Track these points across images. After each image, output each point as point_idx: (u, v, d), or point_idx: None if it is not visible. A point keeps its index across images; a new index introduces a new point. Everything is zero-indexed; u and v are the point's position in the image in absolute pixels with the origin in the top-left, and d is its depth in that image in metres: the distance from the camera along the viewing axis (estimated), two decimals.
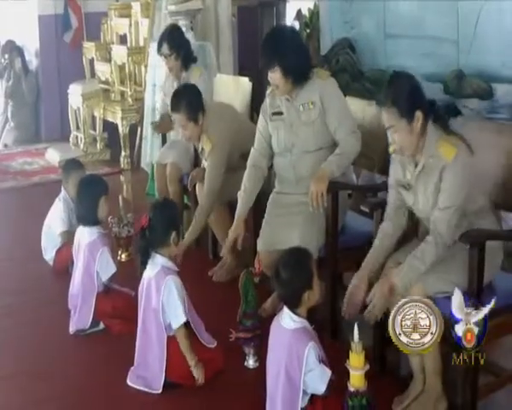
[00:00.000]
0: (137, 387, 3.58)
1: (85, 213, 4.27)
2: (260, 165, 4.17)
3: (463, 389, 3.14)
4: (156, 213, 3.62)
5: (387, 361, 3.57)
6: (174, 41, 5.39)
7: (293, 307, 3.11)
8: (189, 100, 4.56)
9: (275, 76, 3.89)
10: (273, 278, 3.19)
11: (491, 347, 2.93)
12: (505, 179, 3.40)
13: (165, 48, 5.38)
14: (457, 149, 3.07)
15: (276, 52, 3.87)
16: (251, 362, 3.71)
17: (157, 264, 3.58)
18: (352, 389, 2.90)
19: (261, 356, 3.65)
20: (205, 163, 4.72)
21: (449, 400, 3.24)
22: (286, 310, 3.13)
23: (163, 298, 3.50)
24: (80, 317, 4.13)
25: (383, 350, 3.54)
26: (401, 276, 3.10)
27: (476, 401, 3.14)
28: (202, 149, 4.68)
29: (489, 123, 4.45)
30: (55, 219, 5.01)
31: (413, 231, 3.42)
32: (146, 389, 3.56)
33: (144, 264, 3.61)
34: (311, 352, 3.04)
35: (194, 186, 4.80)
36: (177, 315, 3.51)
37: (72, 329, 4.15)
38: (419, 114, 3.09)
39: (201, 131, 4.61)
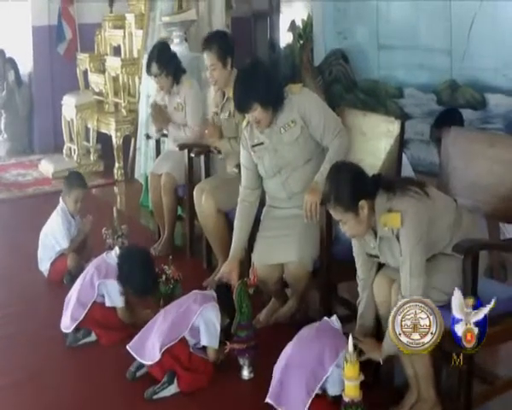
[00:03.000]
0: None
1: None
2: (250, 200, 4.15)
3: (458, 398, 3.15)
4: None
5: (382, 372, 3.57)
6: (163, 60, 5.36)
7: None
8: (220, 42, 4.69)
9: (255, 114, 3.89)
10: None
11: (484, 355, 2.93)
12: (498, 191, 3.42)
13: (154, 68, 5.37)
14: (401, 211, 3.08)
15: (250, 92, 3.87)
16: (245, 373, 3.70)
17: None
18: (346, 399, 2.91)
19: (256, 367, 3.66)
20: (225, 115, 4.75)
21: (444, 408, 3.24)
22: (335, 317, 3.36)
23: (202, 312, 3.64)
24: (72, 314, 4.10)
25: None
26: (389, 350, 3.11)
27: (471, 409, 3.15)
28: (228, 98, 4.70)
29: (481, 134, 4.46)
30: (55, 232, 4.97)
31: None
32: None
33: None
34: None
35: (192, 196, 4.72)
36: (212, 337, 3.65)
37: (63, 326, 4.15)
38: (363, 204, 3.11)
39: (230, 80, 4.61)
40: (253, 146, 4.04)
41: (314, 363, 3.17)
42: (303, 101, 3.93)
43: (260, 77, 3.89)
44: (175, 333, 3.62)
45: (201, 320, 3.63)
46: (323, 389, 3.20)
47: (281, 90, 3.93)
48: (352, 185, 3.13)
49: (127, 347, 3.70)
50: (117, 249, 4.23)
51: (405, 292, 3.05)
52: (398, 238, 3.11)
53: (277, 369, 3.27)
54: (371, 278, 3.39)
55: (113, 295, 4.12)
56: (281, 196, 4.05)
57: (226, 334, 3.68)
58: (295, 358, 3.22)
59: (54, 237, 4.97)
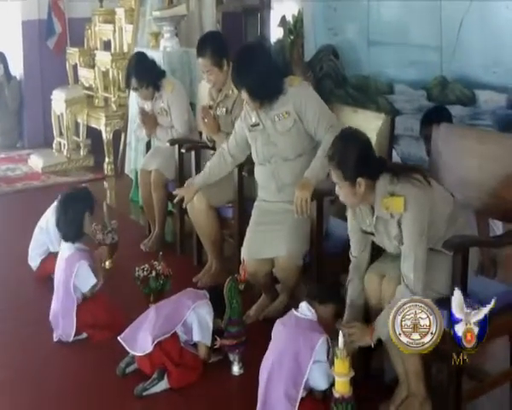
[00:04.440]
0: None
1: (68, 229, 4.25)
2: (225, 157, 4.30)
3: (448, 394, 3.15)
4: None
5: (372, 367, 3.58)
6: (141, 72, 5.30)
7: (322, 302, 3.26)
8: (213, 46, 4.66)
9: (243, 96, 3.97)
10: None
11: (474, 353, 2.94)
12: (488, 187, 3.43)
13: (134, 82, 5.33)
14: (405, 195, 3.08)
15: (241, 76, 3.92)
16: (236, 369, 3.71)
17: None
18: (337, 395, 2.92)
19: (246, 363, 3.67)
20: (222, 111, 4.74)
21: (433, 404, 3.25)
22: (305, 304, 3.25)
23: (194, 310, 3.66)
24: (63, 330, 4.11)
25: (368, 356, 3.56)
26: (383, 330, 3.06)
27: (461, 406, 3.15)
28: (225, 96, 4.71)
29: (471, 130, 4.47)
30: (50, 233, 4.84)
31: None
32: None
33: None
34: (323, 344, 3.12)
35: (181, 201, 4.59)
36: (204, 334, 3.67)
37: (55, 338, 4.14)
38: (361, 181, 3.12)
39: (227, 77, 4.62)
40: (251, 126, 4.07)
41: (292, 369, 3.11)
42: (300, 94, 3.93)
43: (256, 67, 3.89)
44: (168, 327, 3.62)
45: (194, 316, 3.64)
46: (309, 389, 3.18)
47: (276, 87, 3.92)
48: (357, 158, 3.14)
49: (118, 338, 3.70)
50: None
51: (409, 282, 3.05)
52: (399, 224, 3.11)
53: (261, 385, 3.21)
54: (364, 259, 3.40)
55: (86, 278, 4.15)
56: (270, 187, 4.06)
57: (218, 335, 3.68)
58: (275, 367, 3.16)
59: (49, 236, 4.88)
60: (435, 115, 4.53)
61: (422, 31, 5.76)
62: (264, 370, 3.21)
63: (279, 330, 3.29)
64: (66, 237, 4.25)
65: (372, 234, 3.31)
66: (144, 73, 5.32)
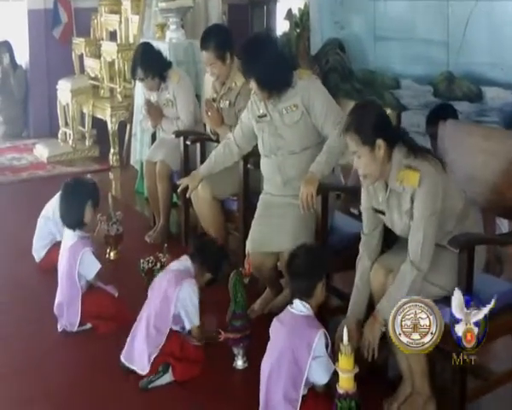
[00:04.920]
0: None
1: (68, 216, 4.26)
2: (230, 147, 4.31)
3: (452, 392, 3.16)
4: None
5: (376, 364, 3.58)
6: (147, 63, 5.32)
7: (306, 298, 3.18)
8: (217, 39, 4.67)
9: (251, 85, 3.96)
10: (287, 269, 3.32)
11: (479, 351, 2.94)
12: (494, 184, 3.43)
13: (139, 73, 5.34)
14: (421, 171, 3.08)
15: (250, 65, 3.92)
16: (240, 363, 3.72)
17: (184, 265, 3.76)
18: (341, 391, 2.91)
19: (250, 357, 3.67)
20: (226, 104, 4.75)
21: (438, 402, 3.25)
22: (297, 301, 3.20)
23: (179, 293, 3.62)
24: (68, 319, 4.12)
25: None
26: (387, 309, 3.07)
27: (465, 404, 3.16)
28: (228, 88, 4.72)
29: (478, 127, 4.47)
30: (57, 221, 4.74)
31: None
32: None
33: None
34: (321, 339, 3.10)
35: (185, 190, 4.58)
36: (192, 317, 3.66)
37: (60, 328, 4.15)
38: (380, 143, 3.11)
39: (230, 70, 4.67)
40: (259, 117, 4.07)
41: (290, 370, 3.09)
42: (308, 87, 3.93)
43: (265, 57, 3.88)
44: (159, 337, 3.60)
45: (180, 305, 3.62)
46: (311, 385, 3.17)
47: (285, 79, 3.92)
48: (375, 120, 3.15)
49: (121, 358, 3.69)
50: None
51: (415, 257, 3.06)
52: (412, 200, 3.10)
53: (261, 387, 3.20)
54: (375, 238, 3.39)
55: (90, 264, 4.16)
56: (276, 180, 4.05)
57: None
58: (274, 370, 3.14)
59: (56, 224, 4.87)
60: (441, 113, 4.52)
61: (429, 26, 5.76)
62: (263, 373, 3.20)
63: (276, 328, 3.26)
64: (69, 223, 4.25)
65: (383, 213, 3.29)
66: (150, 63, 5.33)
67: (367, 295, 3.38)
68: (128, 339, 3.71)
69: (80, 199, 4.26)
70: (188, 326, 3.68)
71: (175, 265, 3.79)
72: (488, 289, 3.11)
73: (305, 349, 3.08)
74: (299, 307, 3.21)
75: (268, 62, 3.87)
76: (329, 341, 3.14)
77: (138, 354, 3.62)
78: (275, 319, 3.30)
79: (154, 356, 3.57)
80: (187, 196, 4.53)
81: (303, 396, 3.12)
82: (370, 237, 3.40)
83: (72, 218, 4.24)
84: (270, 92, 3.91)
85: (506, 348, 3.54)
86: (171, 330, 3.63)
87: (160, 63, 5.40)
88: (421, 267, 3.07)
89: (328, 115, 3.89)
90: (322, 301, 3.32)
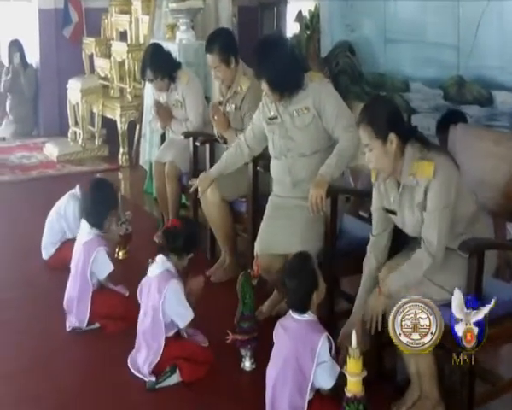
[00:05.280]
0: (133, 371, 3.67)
1: (94, 213, 4.25)
2: (241, 148, 4.30)
3: (461, 397, 3.15)
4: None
5: (384, 367, 3.58)
6: (157, 64, 5.31)
7: (303, 311, 3.17)
8: (222, 42, 4.67)
9: (263, 87, 3.96)
10: (281, 287, 3.33)
11: (487, 356, 2.94)
12: (504, 189, 3.43)
13: (149, 74, 5.34)
14: (435, 162, 3.08)
15: (262, 66, 3.91)
16: (247, 364, 3.72)
17: (161, 266, 3.67)
18: (349, 394, 2.90)
19: (258, 359, 3.67)
20: (231, 107, 4.75)
21: (446, 407, 3.25)
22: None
23: (164, 301, 3.57)
24: (77, 316, 4.13)
25: (380, 356, 3.56)
26: (394, 282, 3.12)
27: (473, 409, 3.15)
28: (234, 92, 4.73)
29: (488, 131, 4.46)
30: (69, 219, 4.90)
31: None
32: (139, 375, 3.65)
33: None
34: (324, 343, 3.08)
35: (196, 191, 4.58)
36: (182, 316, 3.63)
37: (68, 327, 4.16)
38: (392, 137, 3.11)
39: (236, 74, 4.68)
40: (269, 118, 4.08)
41: (296, 378, 3.09)
42: (320, 90, 3.93)
43: (277, 59, 3.88)
44: (157, 346, 3.60)
45: (169, 310, 3.60)
46: (316, 389, 3.16)
47: (297, 80, 3.91)
48: (388, 114, 3.16)
49: (128, 364, 3.71)
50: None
51: (430, 247, 3.06)
52: (425, 192, 3.09)
53: (267, 395, 3.20)
54: (384, 239, 3.40)
55: (103, 264, 4.18)
56: (285, 182, 4.05)
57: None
58: (279, 378, 3.14)
59: (67, 221, 4.91)
60: (451, 119, 4.52)
61: (440, 29, 5.75)
62: (269, 381, 3.19)
63: (280, 335, 3.24)
64: (91, 220, 4.25)
65: (394, 213, 3.28)
66: (160, 64, 5.33)
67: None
68: (132, 352, 3.74)
69: (108, 202, 4.34)
70: (182, 326, 3.67)
71: (154, 270, 3.72)
72: (498, 294, 3.10)
73: (309, 356, 3.07)
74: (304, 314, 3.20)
75: (280, 63, 3.87)
76: (333, 344, 3.13)
77: (141, 362, 3.65)
78: (278, 324, 3.29)
79: (155, 363, 3.58)
80: (198, 196, 4.54)
81: (309, 400, 3.11)
82: (379, 238, 3.40)
83: (95, 216, 4.25)
84: (281, 94, 3.92)
85: None
86: (166, 337, 3.62)
87: (169, 64, 5.41)
88: (437, 257, 3.07)
89: (340, 119, 3.88)
90: (322, 300, 3.30)
